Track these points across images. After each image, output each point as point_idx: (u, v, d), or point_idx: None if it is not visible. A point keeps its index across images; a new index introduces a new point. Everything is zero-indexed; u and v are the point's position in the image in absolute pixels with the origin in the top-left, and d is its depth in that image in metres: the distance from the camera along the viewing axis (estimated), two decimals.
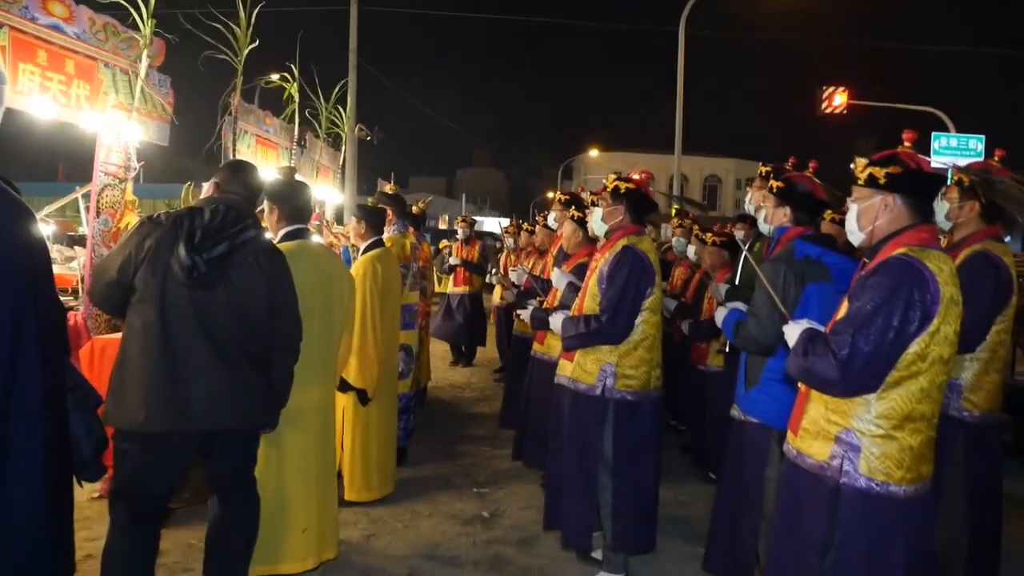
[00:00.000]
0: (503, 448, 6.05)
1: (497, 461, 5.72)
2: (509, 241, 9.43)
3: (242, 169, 3.18)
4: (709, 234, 5.43)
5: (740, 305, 3.32)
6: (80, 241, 7.66)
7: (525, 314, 4.48)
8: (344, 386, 4.26)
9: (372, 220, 4.76)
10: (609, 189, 3.77)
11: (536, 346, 4.94)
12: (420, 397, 7.10)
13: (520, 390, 5.58)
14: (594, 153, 43.73)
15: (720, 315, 3.37)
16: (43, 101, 4.84)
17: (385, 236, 5.04)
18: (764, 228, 3.40)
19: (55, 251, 7.62)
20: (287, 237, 3.49)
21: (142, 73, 5.67)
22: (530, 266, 6.55)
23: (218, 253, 2.79)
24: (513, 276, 5.92)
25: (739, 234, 5.30)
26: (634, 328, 3.57)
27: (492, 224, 26.98)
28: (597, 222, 3.85)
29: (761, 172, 3.46)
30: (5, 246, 1.73)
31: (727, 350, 4.24)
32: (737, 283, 4.35)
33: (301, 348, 3.18)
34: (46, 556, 1.77)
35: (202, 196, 3.13)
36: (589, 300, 3.67)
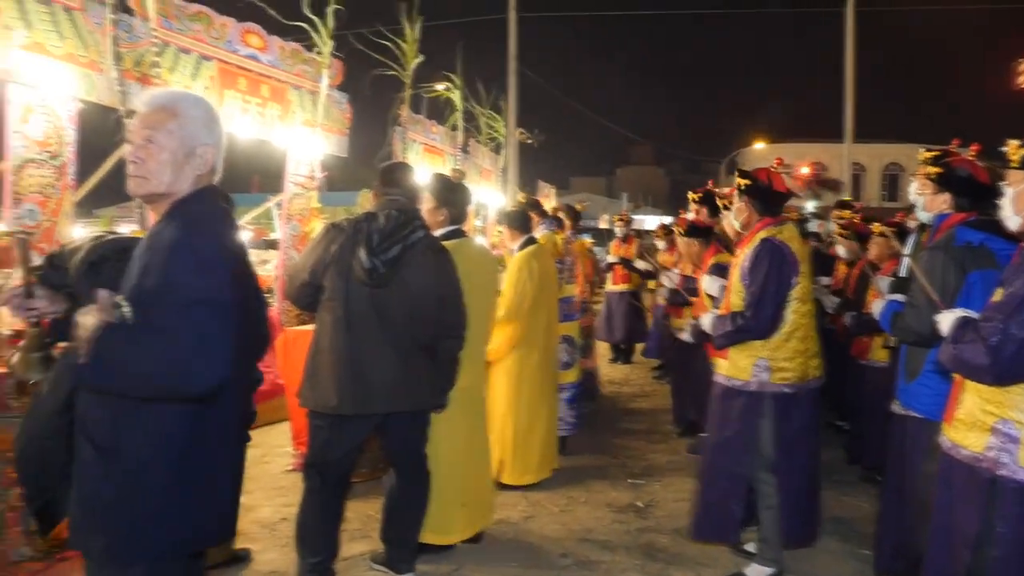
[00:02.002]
0: (659, 442, 6.12)
1: (653, 454, 5.80)
2: (660, 244, 9.38)
3: (396, 171, 3.48)
4: (876, 224, 5.24)
5: (900, 297, 3.23)
6: (273, 245, 8.53)
7: (686, 335, 4.60)
8: None
9: (517, 222, 4.99)
10: (692, 199, 3.83)
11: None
12: (591, 390, 7.27)
13: (686, 387, 5.69)
14: (760, 146, 42.03)
15: (877, 307, 3.29)
16: (244, 122, 5.50)
17: (537, 235, 5.27)
18: (924, 217, 3.27)
19: (253, 255, 8.54)
20: (447, 236, 3.79)
21: (323, 92, 6.27)
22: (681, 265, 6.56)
23: (393, 255, 3.12)
24: (665, 280, 5.98)
25: (912, 224, 5.06)
26: (784, 320, 3.53)
27: (652, 222, 26.77)
28: (732, 221, 3.88)
29: (921, 158, 3.33)
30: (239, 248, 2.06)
31: (892, 344, 4.10)
32: (902, 275, 4.18)
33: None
34: (233, 509, 2.13)
35: (366, 202, 3.47)
36: (735, 297, 3.68)
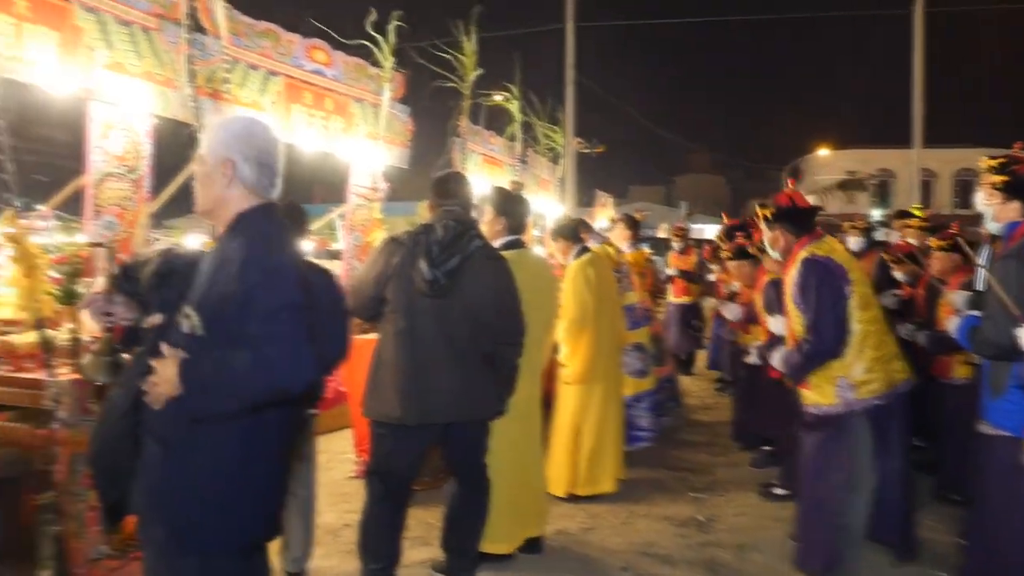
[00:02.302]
0: (721, 456, 6.02)
1: (715, 468, 5.70)
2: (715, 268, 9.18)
3: (451, 182, 3.51)
4: (934, 238, 5.07)
5: (976, 311, 3.11)
6: (336, 255, 8.69)
7: (752, 357, 4.54)
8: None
9: (568, 234, 4.98)
10: (761, 220, 3.81)
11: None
12: (673, 397, 7.18)
13: (752, 403, 5.59)
14: (823, 152, 40.96)
15: (953, 323, 3.18)
16: (308, 135, 5.64)
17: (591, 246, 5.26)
18: (994, 228, 3.13)
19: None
20: (506, 246, 3.81)
21: (385, 105, 6.38)
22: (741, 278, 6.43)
23: (452, 265, 3.16)
24: (727, 313, 5.86)
25: (983, 234, 4.87)
26: (850, 332, 3.44)
27: (712, 231, 26.42)
28: (770, 249, 3.83)
29: (984, 167, 3.19)
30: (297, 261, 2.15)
31: (975, 361, 3.94)
32: (979, 288, 4.02)
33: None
34: (280, 509, 2.22)
35: (426, 213, 3.51)
36: (794, 324, 3.60)
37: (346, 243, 6.55)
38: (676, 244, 9.67)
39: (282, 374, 1.85)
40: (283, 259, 1.97)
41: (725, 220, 8.66)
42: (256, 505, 2.05)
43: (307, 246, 10.44)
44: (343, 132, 6.01)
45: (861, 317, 3.45)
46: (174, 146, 4.66)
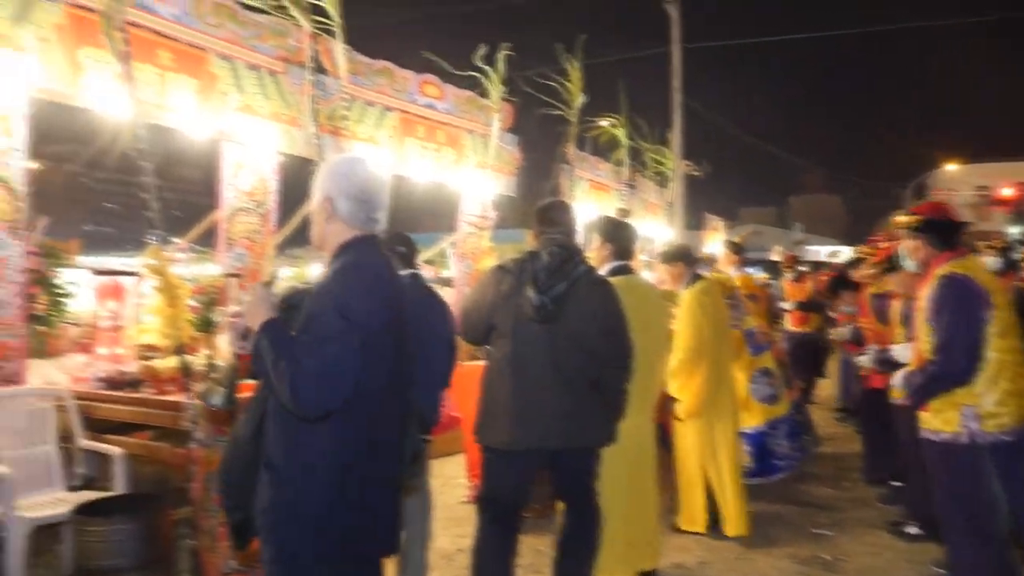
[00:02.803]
0: (847, 491, 5.71)
1: (839, 503, 5.41)
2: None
3: (552, 210, 3.52)
4: None
5: None
6: (448, 283, 8.90)
7: (865, 360, 4.32)
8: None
9: (681, 257, 4.88)
10: (903, 227, 3.55)
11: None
12: (807, 422, 6.90)
13: (882, 435, 5.28)
14: (952, 167, 38.52)
15: None
16: (421, 166, 5.84)
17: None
18: None
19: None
20: (613, 272, 3.79)
21: (494, 135, 6.52)
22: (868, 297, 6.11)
23: (560, 290, 3.18)
24: (864, 362, 5.55)
25: None
26: (984, 359, 3.20)
27: (828, 252, 25.29)
28: (906, 261, 3.60)
29: None
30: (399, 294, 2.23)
31: None
32: None
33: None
34: (394, 526, 2.29)
35: (530, 242, 3.54)
36: (923, 343, 3.37)
37: (457, 270, 6.71)
38: (789, 274, 9.32)
39: (305, 392, 1.93)
40: (358, 293, 2.06)
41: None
42: (361, 520, 2.11)
43: (426, 273, 10.75)
44: (454, 163, 6.18)
45: (999, 346, 3.19)
46: (298, 181, 4.94)
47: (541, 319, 3.18)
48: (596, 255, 3.86)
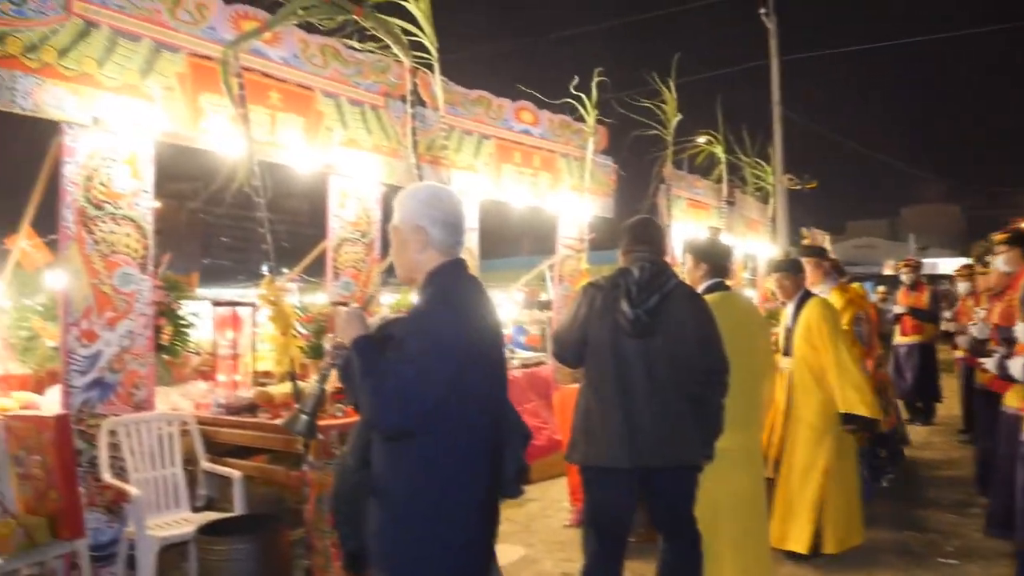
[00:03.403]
0: (974, 517, 5.32)
1: (966, 530, 5.05)
2: (961, 287, 8.23)
3: (640, 228, 3.47)
4: None
5: None
6: (546, 306, 8.95)
7: (990, 363, 3.99)
8: (848, 419, 4.34)
9: (794, 271, 4.72)
10: (999, 241, 3.38)
11: (1007, 400, 4.32)
12: (895, 453, 6.59)
13: (992, 450, 4.90)
14: None
15: None
16: (518, 191, 5.91)
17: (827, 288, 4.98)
18: None
19: (527, 315, 9.04)
20: (709, 290, 3.73)
21: (589, 158, 6.54)
22: (985, 311, 5.75)
23: (653, 304, 3.15)
24: (974, 331, 5.26)
25: None
26: None
27: (946, 266, 23.79)
28: (1002, 267, 3.39)
29: None
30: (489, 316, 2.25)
31: None
32: None
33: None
34: (486, 540, 2.26)
35: (617, 265, 3.50)
36: None
37: (555, 293, 6.73)
38: (906, 278, 8.85)
39: (385, 409, 1.96)
40: (442, 318, 2.07)
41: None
42: (460, 547, 2.12)
43: (517, 296, 10.87)
44: (550, 187, 6.23)
45: None
46: None
47: (636, 333, 3.15)
48: (691, 275, 3.81)
